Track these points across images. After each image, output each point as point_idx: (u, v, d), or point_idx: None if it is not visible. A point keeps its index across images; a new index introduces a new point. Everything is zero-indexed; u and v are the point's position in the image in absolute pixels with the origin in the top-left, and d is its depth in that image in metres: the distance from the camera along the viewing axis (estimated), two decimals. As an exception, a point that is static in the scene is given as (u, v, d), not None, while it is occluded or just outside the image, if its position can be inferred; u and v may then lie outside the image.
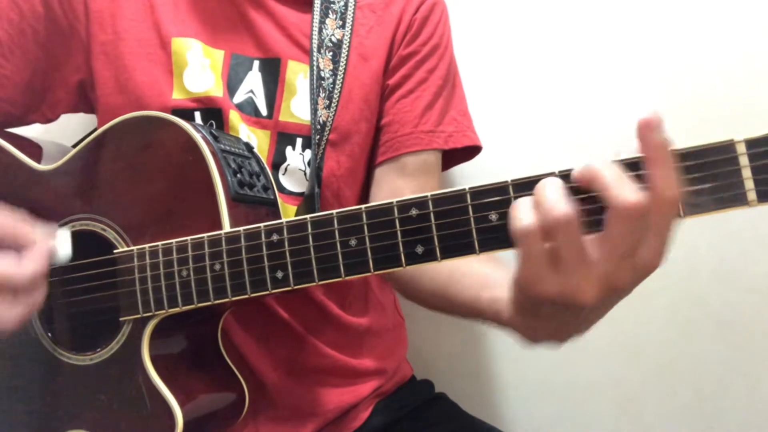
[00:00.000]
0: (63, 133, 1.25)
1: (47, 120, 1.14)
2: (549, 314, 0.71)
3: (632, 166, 0.64)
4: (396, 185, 1.13)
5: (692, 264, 1.37)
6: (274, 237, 0.80)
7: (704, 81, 1.36)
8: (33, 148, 1.07)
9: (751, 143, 0.62)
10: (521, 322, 0.78)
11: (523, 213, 0.64)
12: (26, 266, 0.81)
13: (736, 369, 1.40)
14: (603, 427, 1.46)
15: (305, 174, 1.08)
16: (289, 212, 1.06)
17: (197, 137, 0.89)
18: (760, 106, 1.31)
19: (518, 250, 0.66)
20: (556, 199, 0.62)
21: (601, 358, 1.45)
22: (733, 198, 0.62)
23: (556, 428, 1.48)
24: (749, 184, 0.62)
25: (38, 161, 1.01)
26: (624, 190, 0.61)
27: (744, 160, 0.62)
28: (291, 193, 1.07)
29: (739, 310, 1.39)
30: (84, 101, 1.13)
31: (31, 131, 1.14)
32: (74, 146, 1.17)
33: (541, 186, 0.64)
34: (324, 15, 1.11)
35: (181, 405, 0.86)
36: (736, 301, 1.39)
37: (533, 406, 1.49)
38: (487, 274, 0.90)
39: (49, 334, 0.96)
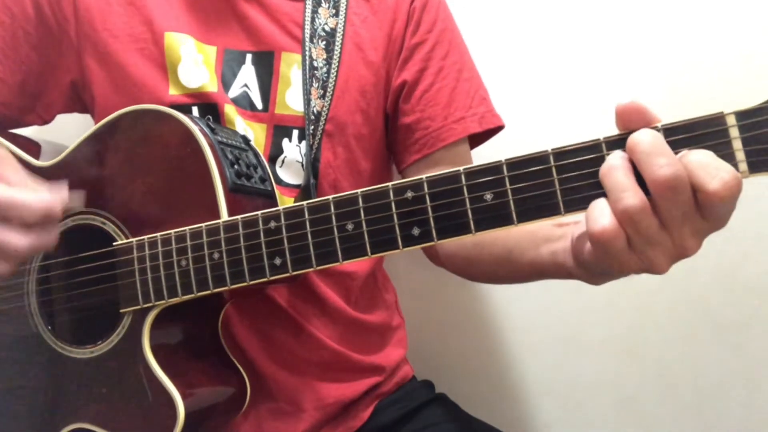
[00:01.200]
0: (61, 134, 1.25)
1: (43, 121, 1.15)
2: (619, 275, 0.74)
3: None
4: None
5: (692, 264, 1.35)
6: (272, 224, 0.81)
7: (703, 79, 1.37)
8: (31, 146, 1.08)
9: (741, 115, 0.63)
10: (589, 278, 0.79)
11: (600, 215, 0.65)
12: (41, 197, 0.81)
13: (736, 369, 1.40)
14: (603, 427, 1.46)
15: (302, 165, 1.08)
16: (286, 204, 1.05)
17: (195, 129, 0.89)
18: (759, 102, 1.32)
19: (599, 249, 0.68)
20: (625, 188, 0.64)
21: (601, 358, 1.45)
22: (726, 169, 0.62)
23: (556, 428, 1.48)
24: (740, 155, 0.63)
25: (36, 159, 1.02)
26: (655, 164, 0.62)
27: (734, 132, 0.63)
28: (288, 185, 1.08)
29: (739, 310, 1.39)
30: (77, 101, 1.14)
31: (29, 132, 1.15)
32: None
33: (608, 173, 0.65)
34: (317, 3, 1.12)
35: (183, 396, 0.86)
36: (736, 301, 1.39)
37: (533, 406, 1.49)
38: (541, 228, 0.90)
39: (50, 328, 0.96)
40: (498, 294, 1.48)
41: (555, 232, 0.86)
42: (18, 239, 0.80)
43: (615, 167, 0.65)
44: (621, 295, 1.40)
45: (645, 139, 0.63)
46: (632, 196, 0.63)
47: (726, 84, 1.35)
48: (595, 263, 0.73)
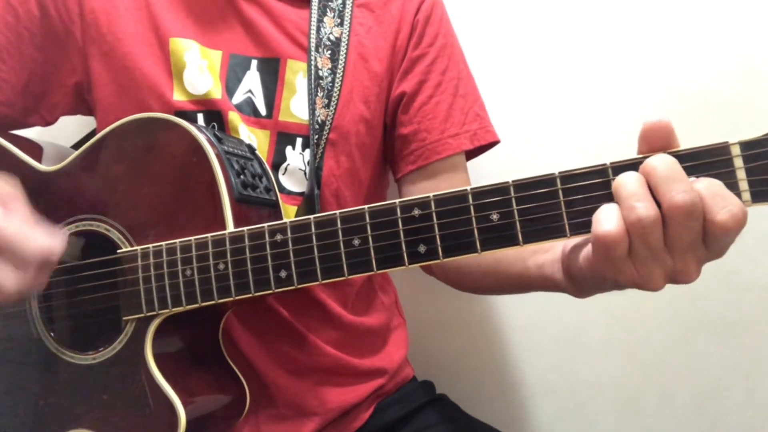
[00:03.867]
0: (62, 134, 1.25)
1: (46, 123, 1.14)
2: (610, 287, 0.74)
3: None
4: (428, 191, 1.13)
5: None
6: (278, 237, 0.81)
7: (703, 79, 1.37)
8: (33, 149, 1.08)
9: (745, 145, 0.64)
10: (576, 290, 0.80)
11: (608, 218, 0.66)
12: (40, 240, 0.80)
13: (736, 369, 1.41)
14: (603, 427, 1.46)
15: (305, 174, 1.08)
16: (289, 212, 1.06)
17: (202, 139, 0.89)
18: (759, 105, 1.32)
19: (599, 252, 0.68)
20: (641, 198, 0.64)
21: (601, 358, 1.45)
22: (728, 199, 0.63)
23: (556, 428, 1.48)
24: (744, 185, 0.64)
25: (39, 162, 1.01)
26: (674, 189, 0.63)
27: (738, 162, 0.64)
28: (291, 193, 1.08)
29: (739, 310, 1.39)
30: (82, 103, 1.13)
31: (30, 132, 1.15)
32: (74, 147, 1.17)
33: (624, 182, 0.65)
34: (322, 13, 1.11)
35: (184, 404, 0.86)
36: (736, 301, 1.39)
37: (533, 406, 1.49)
38: None
39: (52, 334, 0.96)
40: (498, 295, 1.48)
41: (542, 246, 0.86)
42: (8, 279, 0.79)
43: (631, 179, 0.65)
44: (621, 296, 1.39)
45: (664, 164, 0.64)
46: (648, 207, 0.64)
47: (726, 84, 1.35)
48: (588, 273, 0.74)
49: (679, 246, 0.65)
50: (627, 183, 0.65)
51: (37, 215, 0.84)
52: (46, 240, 0.81)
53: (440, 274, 1.22)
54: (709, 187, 0.63)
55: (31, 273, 0.80)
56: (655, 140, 0.67)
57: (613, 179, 0.67)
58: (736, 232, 0.63)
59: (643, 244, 0.65)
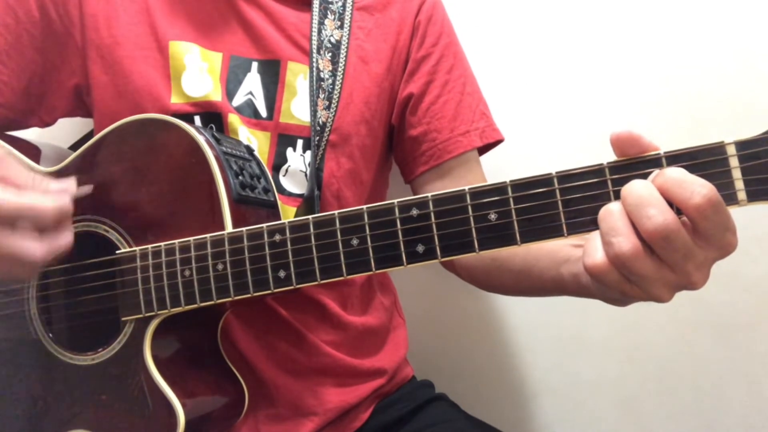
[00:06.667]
0: (59, 135, 1.25)
1: (45, 124, 1.14)
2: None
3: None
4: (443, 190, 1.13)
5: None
6: (277, 237, 0.81)
7: (703, 79, 1.37)
8: (31, 150, 1.07)
9: (741, 145, 0.64)
10: (606, 298, 0.80)
11: (593, 250, 0.68)
12: (50, 198, 0.80)
13: (736, 369, 1.40)
14: (603, 427, 1.46)
15: (306, 175, 1.08)
16: (288, 214, 1.06)
17: (200, 140, 0.90)
18: (757, 106, 1.32)
19: (595, 280, 0.70)
20: (618, 233, 0.65)
21: (601, 358, 1.45)
22: (724, 198, 0.63)
23: (556, 428, 1.48)
24: (739, 184, 0.64)
25: (37, 163, 1.01)
26: (644, 215, 0.64)
27: (734, 162, 0.64)
28: (291, 195, 1.08)
29: (739, 310, 1.39)
30: (80, 105, 1.13)
31: (29, 134, 1.14)
32: (71, 148, 1.17)
33: (604, 216, 0.67)
34: (323, 15, 1.12)
35: (183, 404, 0.86)
36: (736, 301, 1.39)
37: (533, 406, 1.49)
38: (561, 249, 0.92)
39: (50, 335, 0.96)
40: (498, 294, 1.47)
41: (574, 254, 0.87)
42: (34, 247, 0.78)
43: (611, 211, 0.66)
44: (621, 296, 1.40)
45: (634, 191, 0.65)
46: (624, 242, 0.65)
47: (724, 84, 1.35)
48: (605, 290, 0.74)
49: (674, 263, 0.65)
50: (604, 217, 0.66)
51: (35, 170, 0.83)
52: (54, 195, 0.81)
53: (467, 277, 1.22)
54: (671, 178, 0.64)
55: (51, 232, 0.80)
56: (627, 149, 0.68)
57: (611, 179, 0.67)
58: (716, 213, 0.63)
59: (630, 273, 0.66)
